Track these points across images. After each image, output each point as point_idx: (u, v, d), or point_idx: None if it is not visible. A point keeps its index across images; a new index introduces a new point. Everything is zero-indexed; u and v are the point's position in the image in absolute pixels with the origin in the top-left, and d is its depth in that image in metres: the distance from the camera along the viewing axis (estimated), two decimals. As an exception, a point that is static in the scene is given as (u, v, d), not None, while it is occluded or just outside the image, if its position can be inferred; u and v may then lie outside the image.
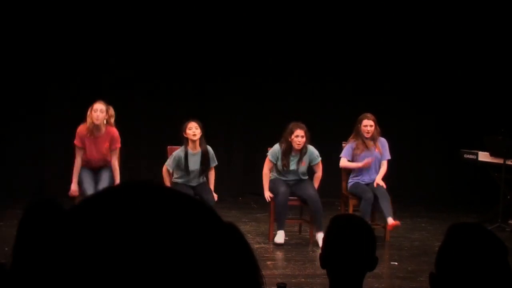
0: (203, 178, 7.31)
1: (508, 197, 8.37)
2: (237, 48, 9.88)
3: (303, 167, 7.34)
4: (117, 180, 7.18)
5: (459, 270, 2.07)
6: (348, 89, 9.84)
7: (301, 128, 7.21)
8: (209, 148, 7.32)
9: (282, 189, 7.25)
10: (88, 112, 7.04)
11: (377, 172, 7.51)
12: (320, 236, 7.13)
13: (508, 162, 8.09)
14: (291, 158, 7.28)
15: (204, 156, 7.17)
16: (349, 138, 7.59)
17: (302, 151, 7.28)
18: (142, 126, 9.76)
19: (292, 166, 7.28)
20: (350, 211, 7.42)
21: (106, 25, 9.44)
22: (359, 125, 7.45)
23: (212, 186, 7.33)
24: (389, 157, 7.63)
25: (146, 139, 9.84)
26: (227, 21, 9.81)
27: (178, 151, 7.17)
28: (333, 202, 8.83)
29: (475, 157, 8.62)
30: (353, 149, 7.47)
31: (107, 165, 7.19)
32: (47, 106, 9.48)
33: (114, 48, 9.44)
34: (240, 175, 10.14)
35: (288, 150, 7.24)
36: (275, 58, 9.87)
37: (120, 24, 9.52)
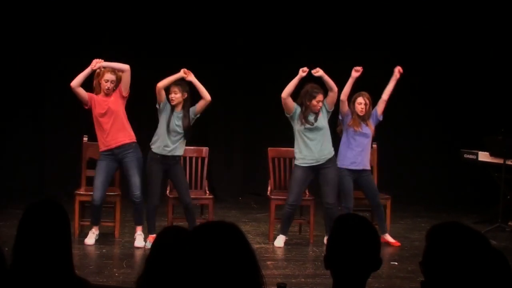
0: (178, 150, 7.03)
1: (508, 197, 8.37)
2: (236, 48, 9.89)
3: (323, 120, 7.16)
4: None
5: (446, 272, 2.08)
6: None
7: (321, 93, 7.10)
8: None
9: (294, 194, 7.12)
10: (97, 81, 6.90)
11: (365, 155, 7.22)
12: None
13: (508, 162, 8.08)
14: (309, 118, 7.10)
15: (185, 117, 6.99)
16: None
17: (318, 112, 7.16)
18: (142, 125, 9.74)
19: (317, 123, 7.08)
20: (350, 211, 7.40)
21: (104, 17, 9.44)
22: (352, 103, 7.25)
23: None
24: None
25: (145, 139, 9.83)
26: (224, 18, 9.81)
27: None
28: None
29: (475, 157, 8.62)
30: (348, 123, 7.21)
31: (126, 143, 6.90)
32: (46, 105, 9.47)
33: (112, 42, 9.42)
34: (240, 175, 10.14)
35: (307, 113, 7.08)
36: (276, 59, 9.87)
37: (118, 18, 9.52)
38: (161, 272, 2.28)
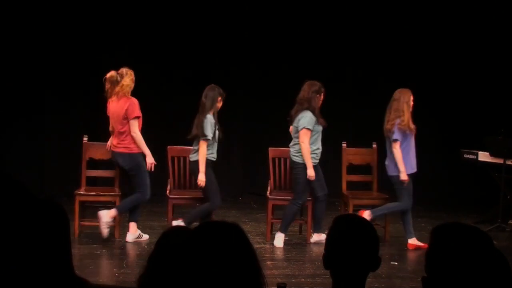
0: None
1: (508, 197, 8.37)
2: (236, 49, 9.88)
3: None
4: (147, 153, 7.05)
5: (449, 270, 2.09)
6: (348, 91, 9.84)
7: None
8: None
9: (305, 194, 7.16)
10: (129, 80, 7.09)
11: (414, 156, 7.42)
12: (317, 237, 7.13)
13: (508, 162, 8.09)
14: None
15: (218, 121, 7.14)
16: (389, 119, 7.24)
17: None
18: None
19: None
20: (350, 211, 7.41)
21: (105, 24, 9.41)
22: (405, 101, 7.23)
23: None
24: None
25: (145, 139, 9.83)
26: (228, 22, 9.81)
27: (210, 118, 7.02)
28: (333, 202, 8.83)
29: (475, 157, 8.62)
30: (404, 130, 7.22)
31: (120, 147, 7.07)
32: (46, 107, 9.46)
33: (112, 49, 9.41)
34: (240, 175, 10.13)
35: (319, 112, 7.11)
36: (276, 59, 9.87)
37: (119, 25, 9.50)
38: (163, 271, 2.28)
